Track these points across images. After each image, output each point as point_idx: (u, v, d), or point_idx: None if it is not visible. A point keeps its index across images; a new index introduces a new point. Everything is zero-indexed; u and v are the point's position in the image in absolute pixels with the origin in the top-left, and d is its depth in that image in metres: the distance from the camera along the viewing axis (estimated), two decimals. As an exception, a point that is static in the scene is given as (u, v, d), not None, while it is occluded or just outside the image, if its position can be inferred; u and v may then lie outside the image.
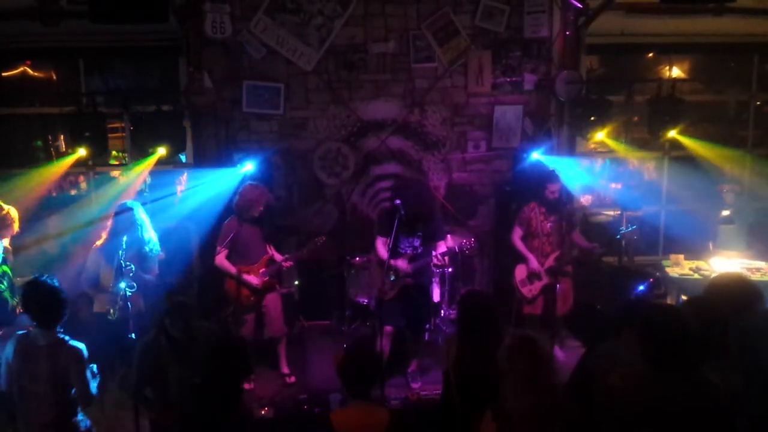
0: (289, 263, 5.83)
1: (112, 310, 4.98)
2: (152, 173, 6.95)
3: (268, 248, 5.79)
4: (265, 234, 5.78)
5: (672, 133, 6.76)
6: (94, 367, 3.79)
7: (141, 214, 5.24)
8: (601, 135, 6.98)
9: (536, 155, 6.71)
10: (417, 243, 5.52)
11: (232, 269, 5.64)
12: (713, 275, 3.87)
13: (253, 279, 5.65)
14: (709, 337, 2.95)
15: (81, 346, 3.67)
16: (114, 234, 5.12)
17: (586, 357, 3.42)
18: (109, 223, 5.27)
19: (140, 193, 6.97)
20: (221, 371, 3.24)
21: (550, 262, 6.04)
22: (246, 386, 5.65)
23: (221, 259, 5.64)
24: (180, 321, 3.99)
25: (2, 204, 5.24)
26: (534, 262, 6.04)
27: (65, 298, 3.69)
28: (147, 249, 5.22)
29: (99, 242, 5.25)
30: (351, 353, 3.41)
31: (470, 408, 3.25)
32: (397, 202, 5.35)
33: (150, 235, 5.28)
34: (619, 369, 2.98)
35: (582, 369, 3.40)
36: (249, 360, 3.45)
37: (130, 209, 5.17)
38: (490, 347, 3.20)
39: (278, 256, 5.79)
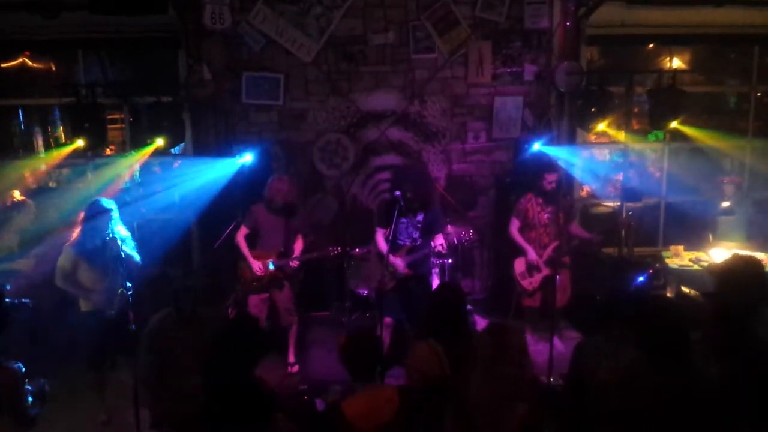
0: (295, 263, 5.86)
1: (112, 312, 4.92)
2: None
3: (297, 240, 5.88)
4: (291, 227, 5.84)
5: (672, 124, 6.74)
6: (45, 383, 3.62)
7: (116, 214, 5.01)
8: (601, 126, 6.97)
9: (536, 146, 6.70)
10: (416, 235, 5.52)
11: (244, 249, 5.76)
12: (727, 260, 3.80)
13: (256, 265, 5.72)
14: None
15: (17, 366, 3.43)
16: (89, 233, 4.88)
17: (574, 354, 3.43)
18: (80, 220, 5.05)
19: (139, 184, 6.99)
20: (229, 352, 3.18)
21: (548, 253, 6.03)
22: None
23: (239, 237, 5.79)
24: (188, 303, 4.08)
25: None
26: (532, 254, 6.04)
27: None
28: (124, 245, 5.09)
29: (72, 239, 4.96)
30: (352, 337, 3.42)
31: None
32: (397, 193, 5.34)
33: (123, 233, 5.12)
34: (607, 363, 2.99)
35: (573, 366, 3.41)
36: (257, 339, 3.37)
37: (108, 210, 4.93)
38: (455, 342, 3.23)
39: (297, 253, 5.86)
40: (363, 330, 3.74)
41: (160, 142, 6.41)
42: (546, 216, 6.05)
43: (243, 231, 5.81)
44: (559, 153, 6.70)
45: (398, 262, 5.46)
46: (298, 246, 5.91)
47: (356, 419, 3.07)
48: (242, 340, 3.22)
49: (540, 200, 6.05)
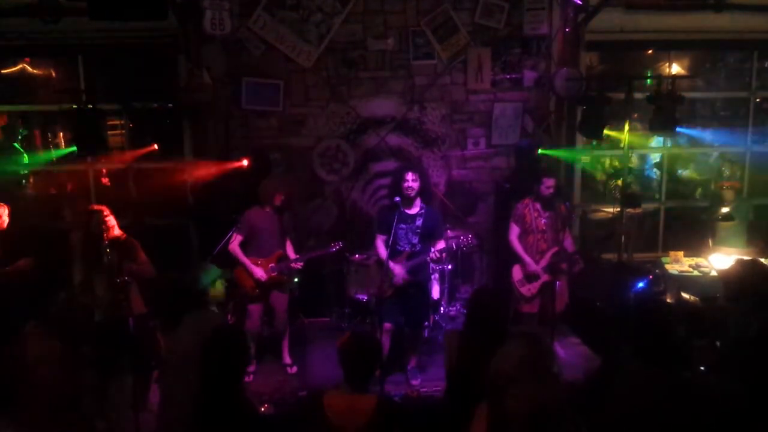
0: (299, 264, 5.85)
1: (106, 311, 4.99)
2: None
3: (287, 243, 5.85)
4: (284, 228, 5.82)
5: (671, 130, 6.73)
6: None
7: (110, 217, 5.20)
8: (600, 132, 6.95)
9: (536, 152, 6.70)
10: (415, 240, 5.51)
11: (243, 258, 5.68)
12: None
13: (259, 272, 5.67)
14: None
15: None
16: (89, 238, 5.09)
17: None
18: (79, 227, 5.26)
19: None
20: (218, 361, 3.21)
21: (546, 260, 5.98)
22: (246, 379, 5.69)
23: (234, 245, 5.69)
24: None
25: None
26: (532, 265, 5.92)
27: None
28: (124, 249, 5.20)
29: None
30: (354, 338, 3.39)
31: (466, 404, 3.24)
32: (397, 199, 5.35)
33: (120, 237, 5.26)
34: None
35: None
36: (246, 348, 3.42)
37: (99, 212, 5.13)
38: (493, 346, 3.18)
39: (292, 254, 5.84)
40: (365, 334, 3.73)
41: (157, 147, 6.44)
42: (543, 221, 5.98)
43: (237, 239, 5.70)
44: (558, 158, 6.70)
45: (397, 271, 5.45)
46: (289, 247, 5.89)
47: (333, 413, 3.09)
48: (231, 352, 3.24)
49: (537, 205, 6.00)
